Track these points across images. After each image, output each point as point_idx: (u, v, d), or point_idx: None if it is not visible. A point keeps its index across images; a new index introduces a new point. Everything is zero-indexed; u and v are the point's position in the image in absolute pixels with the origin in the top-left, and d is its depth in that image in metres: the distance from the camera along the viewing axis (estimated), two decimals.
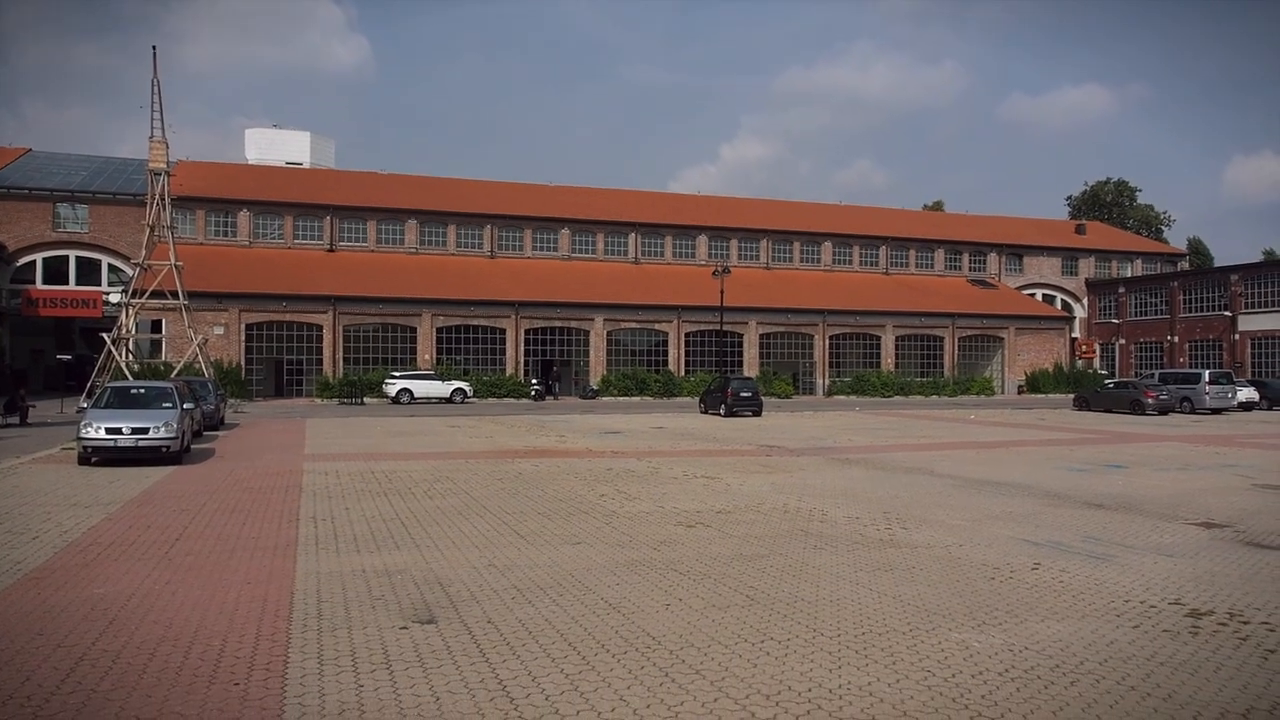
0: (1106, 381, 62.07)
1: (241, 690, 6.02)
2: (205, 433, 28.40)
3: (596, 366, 59.83)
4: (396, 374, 52.06)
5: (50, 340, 62.99)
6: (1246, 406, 47.93)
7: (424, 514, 13.46)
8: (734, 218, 74.24)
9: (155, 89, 44.41)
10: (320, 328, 55.19)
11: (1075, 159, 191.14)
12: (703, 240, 71.28)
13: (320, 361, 55.31)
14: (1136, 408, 43.57)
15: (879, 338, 66.94)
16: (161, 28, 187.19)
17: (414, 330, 57.01)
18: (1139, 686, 6.34)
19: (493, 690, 6.11)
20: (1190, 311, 72.42)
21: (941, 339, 68.78)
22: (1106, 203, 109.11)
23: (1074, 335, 76.89)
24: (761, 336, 63.68)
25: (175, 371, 43.55)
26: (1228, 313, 68.74)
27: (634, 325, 61.05)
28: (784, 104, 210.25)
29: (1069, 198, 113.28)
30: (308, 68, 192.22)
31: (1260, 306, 66.62)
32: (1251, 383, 51.68)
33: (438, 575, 9.48)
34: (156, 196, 45.17)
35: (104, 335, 43.93)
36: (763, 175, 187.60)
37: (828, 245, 74.87)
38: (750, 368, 61.71)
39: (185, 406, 20.63)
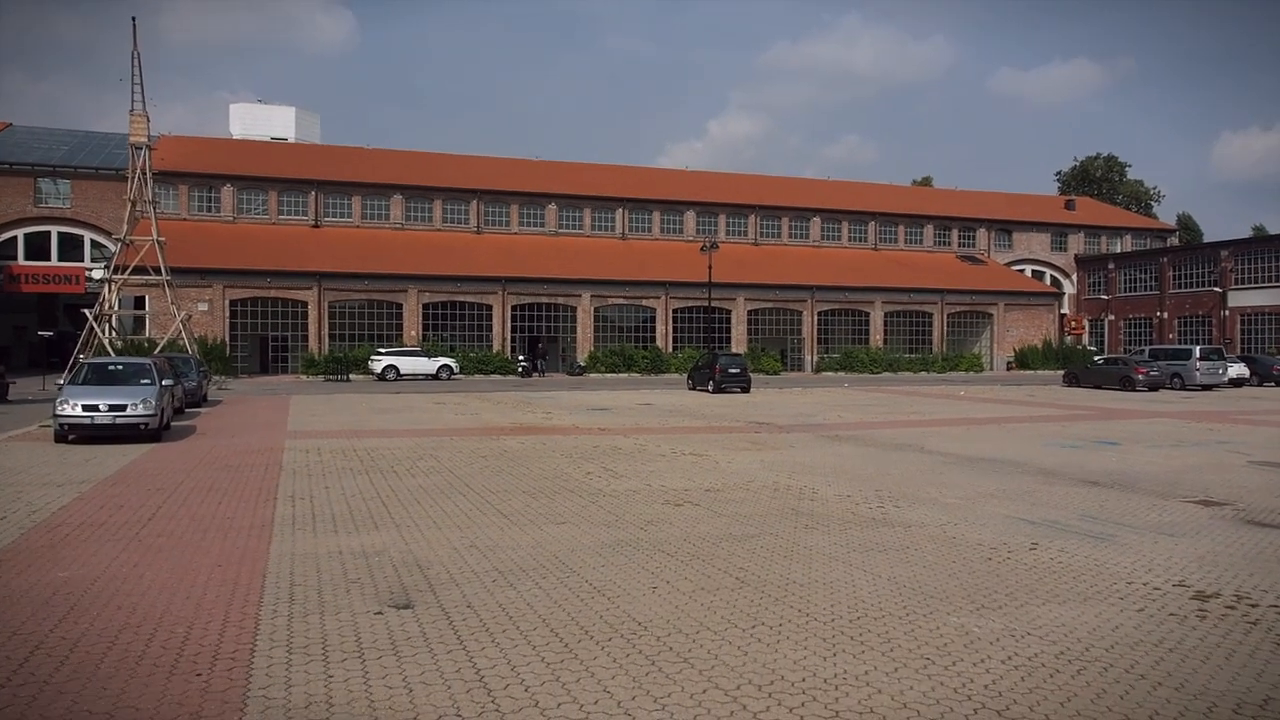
0: (1096, 358, 62.02)
1: (203, 682, 5.68)
2: (187, 410, 27.97)
3: (584, 343, 59.49)
4: (382, 351, 51.64)
5: (34, 317, 62.27)
6: (1237, 383, 47.85)
7: (405, 493, 13.12)
8: (722, 193, 73.76)
9: (135, 61, 43.67)
10: (305, 304, 54.71)
11: (1064, 134, 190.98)
12: (690, 216, 70.80)
13: (306, 338, 54.87)
14: (1127, 384, 43.42)
15: (867, 314, 66.70)
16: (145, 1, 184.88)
17: (400, 307, 56.57)
18: (1149, 675, 6.06)
19: (469, 681, 5.78)
20: (1180, 287, 72.35)
21: (930, 315, 68.59)
22: (1096, 178, 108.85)
23: (1063, 311, 76.77)
24: (749, 313, 63.38)
25: (158, 348, 43.08)
26: (1217, 289, 68.67)
27: (621, 301, 60.68)
28: (771, 79, 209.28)
29: (1058, 173, 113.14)
30: (292, 41, 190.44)
31: (1250, 282, 66.56)
32: (1242, 359, 51.56)
33: (417, 557, 9.14)
34: (138, 171, 44.48)
35: (85, 311, 43.35)
36: (751, 151, 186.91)
37: (816, 221, 74.48)
38: (738, 344, 61.43)
39: (164, 383, 20.20)
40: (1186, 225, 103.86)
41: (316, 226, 62.65)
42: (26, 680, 5.72)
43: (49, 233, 59.99)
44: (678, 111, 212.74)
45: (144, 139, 44.27)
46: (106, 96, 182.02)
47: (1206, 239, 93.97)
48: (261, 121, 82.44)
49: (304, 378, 51.69)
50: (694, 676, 5.91)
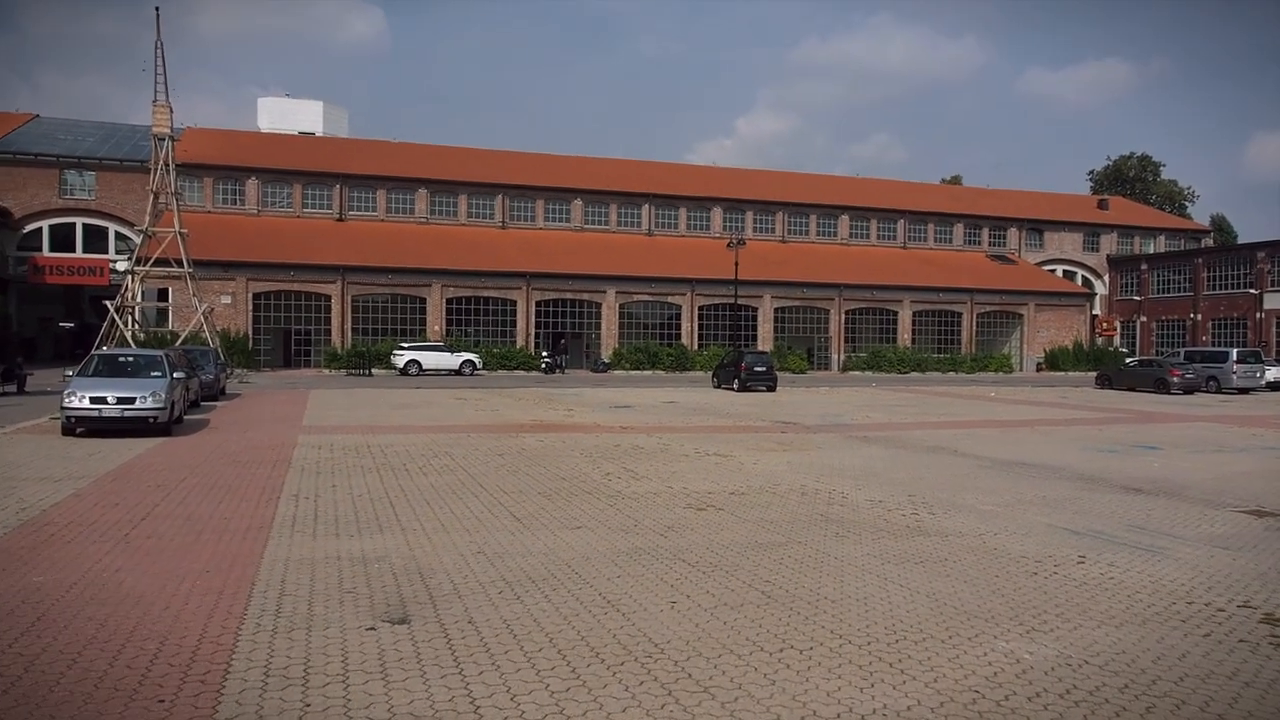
0: (1128, 360, 60.87)
1: (165, 709, 5.10)
2: (204, 403, 27.59)
3: (608, 339, 58.90)
4: (405, 345, 51.23)
5: (59, 308, 62.28)
6: (1274, 386, 46.69)
7: (415, 492, 12.55)
8: (749, 190, 72.93)
9: (158, 52, 43.34)
10: (329, 298, 54.40)
11: (1095, 135, 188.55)
12: (717, 212, 70.03)
13: (329, 332, 54.55)
14: (1161, 386, 42.43)
15: (895, 313, 65.76)
16: None
17: (423, 301, 56.16)
18: (1227, 715, 5.38)
19: (463, 712, 5.18)
20: (1214, 289, 70.98)
21: (959, 315, 67.58)
22: (1130, 178, 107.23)
23: (1094, 312, 75.51)
24: (776, 310, 62.58)
25: (179, 340, 42.83)
26: (1253, 290, 67.27)
27: (647, 298, 60.04)
28: (800, 77, 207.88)
29: (1091, 172, 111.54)
30: (322, 38, 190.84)
31: None
32: None
33: (420, 564, 8.54)
34: (160, 162, 44.20)
35: (106, 303, 43.15)
36: (778, 149, 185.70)
37: (844, 219, 73.54)
38: (764, 342, 60.66)
39: (175, 376, 19.75)
40: (1221, 226, 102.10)
41: (341, 220, 62.33)
42: None
43: (74, 224, 59.90)
44: (706, 110, 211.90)
45: (166, 130, 43.96)
46: (137, 91, 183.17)
47: (1241, 240, 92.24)
48: (289, 116, 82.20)
49: (326, 372, 51.38)
50: (715, 710, 5.28)
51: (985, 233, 77.95)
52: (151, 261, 43.89)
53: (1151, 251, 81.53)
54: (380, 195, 63.62)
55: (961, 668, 6.06)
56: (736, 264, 52.77)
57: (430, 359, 50.17)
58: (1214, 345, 65.86)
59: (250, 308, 52.84)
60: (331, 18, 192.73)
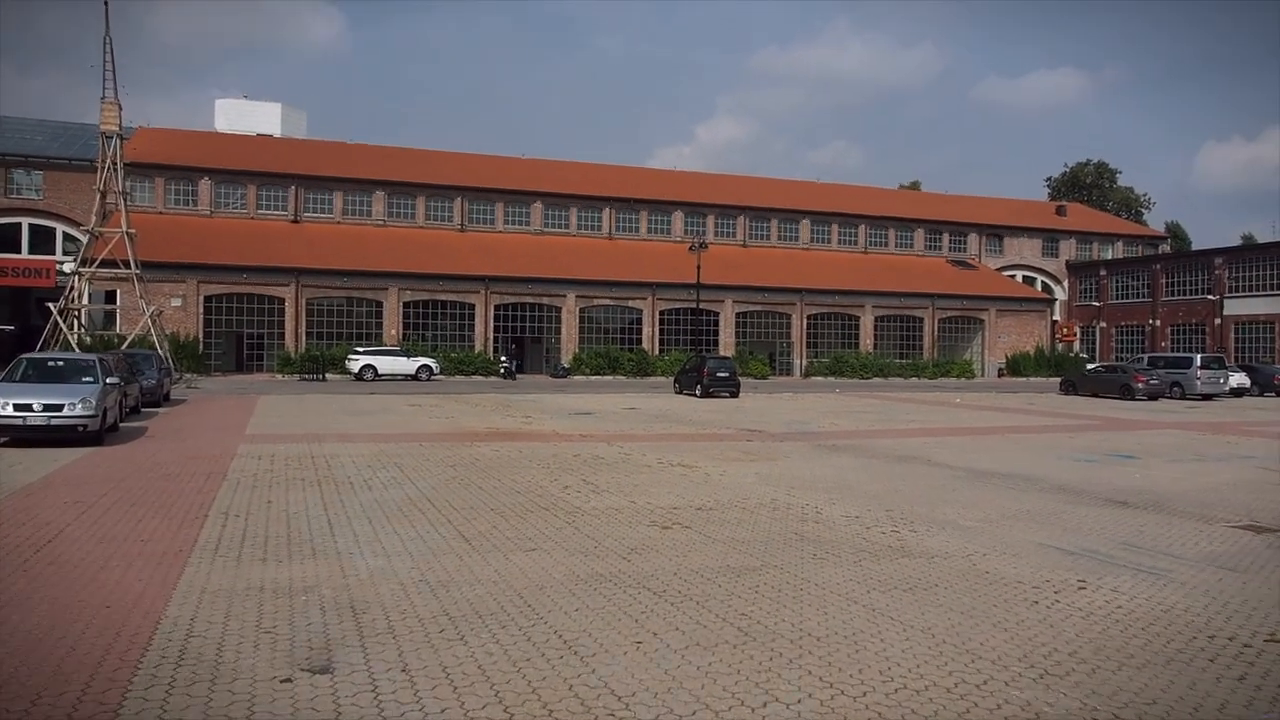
0: (1089, 365, 60.79)
1: None
2: (146, 409, 26.43)
3: (568, 344, 57.96)
4: (360, 349, 50.00)
5: (4, 311, 60.31)
6: (1237, 392, 46.66)
7: (357, 509, 11.57)
8: (711, 194, 72.29)
9: (107, 47, 41.85)
10: (283, 301, 53.08)
11: (1050, 142, 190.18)
12: (679, 216, 69.32)
13: (282, 336, 53.21)
14: (1126, 392, 42.19)
15: (857, 318, 65.38)
16: None
17: (380, 305, 54.99)
18: None
19: None
20: (1173, 295, 71.32)
21: (921, 320, 67.33)
22: (1086, 184, 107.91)
23: (1054, 318, 75.61)
24: (738, 315, 61.95)
25: (125, 343, 41.40)
26: (1211, 296, 67.64)
27: (607, 302, 59.17)
28: (759, 83, 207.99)
29: (1049, 179, 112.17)
30: (282, 41, 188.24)
31: (1244, 290, 65.51)
32: (1242, 368, 50.42)
33: (353, 596, 7.59)
34: (108, 160, 42.70)
35: (49, 305, 41.60)
36: (737, 155, 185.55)
37: (806, 223, 73.13)
38: (726, 347, 59.98)
39: (109, 381, 18.58)
40: (1175, 233, 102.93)
41: (296, 222, 60.97)
42: None
43: (20, 224, 58.16)
44: (665, 115, 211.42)
45: (115, 127, 42.45)
46: (92, 90, 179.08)
47: (1194, 247, 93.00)
48: (247, 118, 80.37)
49: (279, 376, 50.02)
50: None
51: (946, 238, 77.90)
52: (97, 262, 42.41)
53: (1110, 257, 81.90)
54: (337, 197, 62.34)
55: None
56: (699, 267, 52.05)
57: (386, 364, 49.00)
58: (1173, 351, 66.08)
59: (201, 310, 51.42)
60: (291, 20, 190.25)
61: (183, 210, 59.00)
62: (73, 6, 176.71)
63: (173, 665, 5.86)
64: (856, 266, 69.88)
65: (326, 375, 48.38)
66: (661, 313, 59.84)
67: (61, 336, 40.69)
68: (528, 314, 58.26)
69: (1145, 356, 52.38)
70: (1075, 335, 77.23)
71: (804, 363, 63.10)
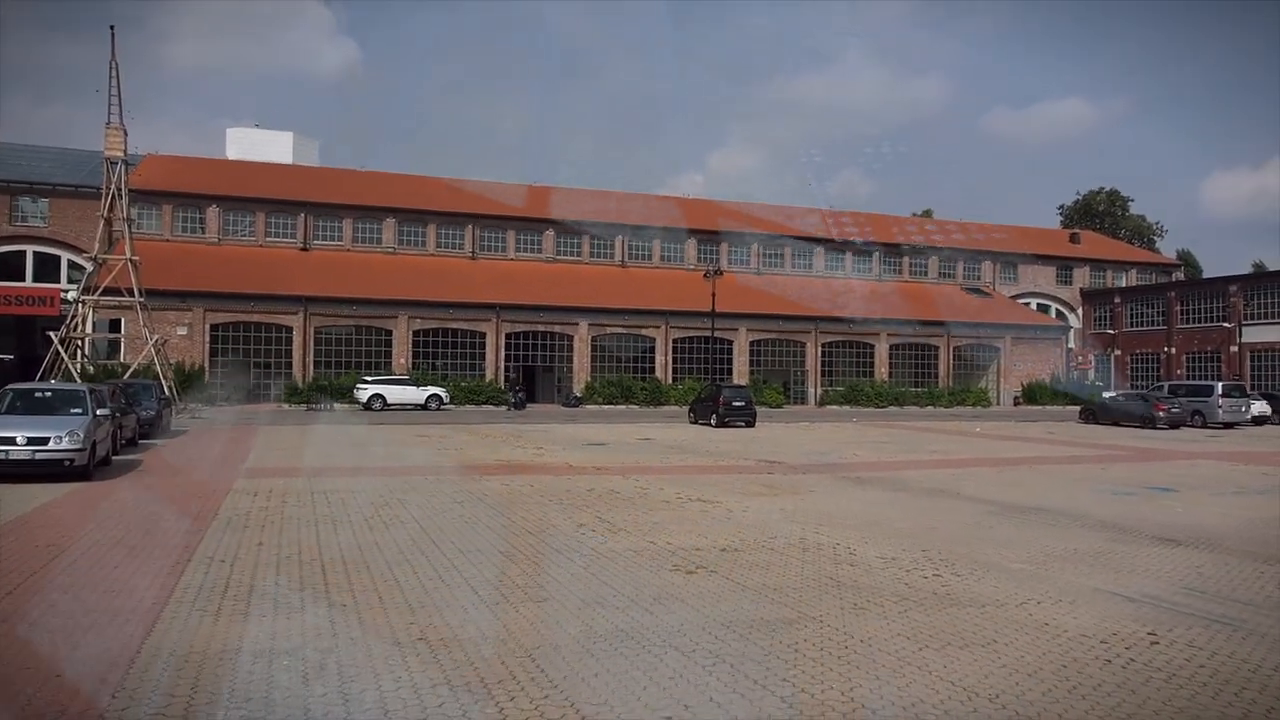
0: (1105, 394, 59.75)
1: None
2: (143, 441, 25.66)
3: (580, 373, 57.16)
4: (369, 379, 49.29)
5: (10, 340, 59.78)
6: (1259, 420, 45.64)
7: (355, 553, 10.73)
8: (724, 221, 71.55)
9: (113, 72, 41.45)
10: (290, 329, 52.43)
11: (1058, 172, 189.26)
12: (692, 244, 68.65)
13: (290, 365, 52.51)
14: (1147, 421, 41.24)
15: (872, 346, 64.50)
16: (148, 27, 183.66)
17: (389, 333, 54.29)
18: None
19: None
20: (1188, 322, 70.36)
21: (936, 348, 66.43)
22: (1099, 212, 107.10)
23: (1069, 346, 74.66)
24: (752, 343, 61.13)
25: (128, 373, 40.77)
26: (1227, 324, 66.65)
27: (620, 330, 58.40)
28: (770, 113, 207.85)
29: (1061, 207, 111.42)
30: (295, 70, 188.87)
31: (1261, 318, 64.50)
32: (1264, 396, 49.38)
33: (340, 660, 6.71)
34: (113, 187, 42.20)
35: (50, 334, 40.97)
36: (748, 185, 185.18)
37: (820, 251, 72.44)
38: (740, 375, 59.10)
39: (99, 413, 17.80)
40: (1187, 261, 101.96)
41: (305, 250, 60.43)
42: None
43: (24, 252, 57.72)
44: (676, 145, 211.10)
45: (120, 153, 41.93)
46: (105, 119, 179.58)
47: (1205, 275, 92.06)
48: (259, 146, 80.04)
49: (286, 406, 49.28)
50: None
51: (960, 265, 77.13)
52: (100, 291, 41.80)
53: (1124, 285, 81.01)
54: (346, 224, 61.83)
55: None
56: (714, 294, 51.27)
57: (395, 393, 48.30)
58: (1189, 379, 65.09)
59: (207, 339, 50.78)
60: (305, 49, 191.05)
61: (190, 238, 58.52)
62: (85, 36, 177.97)
63: None
64: (871, 294, 69.04)
65: (334, 405, 47.64)
66: (675, 341, 59.05)
67: (63, 366, 40.03)
68: (540, 342, 57.51)
69: (1165, 384, 51.34)
70: (1090, 363, 76.25)
71: (819, 391, 62.18)
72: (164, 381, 39.72)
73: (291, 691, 6.04)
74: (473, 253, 63.58)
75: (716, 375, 56.25)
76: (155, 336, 42.03)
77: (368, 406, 47.25)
